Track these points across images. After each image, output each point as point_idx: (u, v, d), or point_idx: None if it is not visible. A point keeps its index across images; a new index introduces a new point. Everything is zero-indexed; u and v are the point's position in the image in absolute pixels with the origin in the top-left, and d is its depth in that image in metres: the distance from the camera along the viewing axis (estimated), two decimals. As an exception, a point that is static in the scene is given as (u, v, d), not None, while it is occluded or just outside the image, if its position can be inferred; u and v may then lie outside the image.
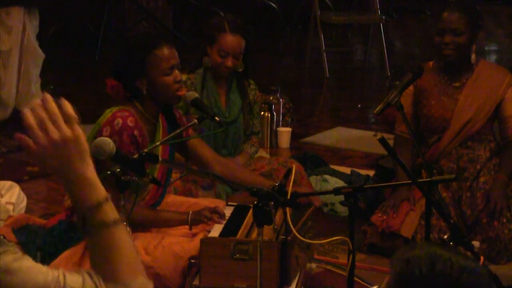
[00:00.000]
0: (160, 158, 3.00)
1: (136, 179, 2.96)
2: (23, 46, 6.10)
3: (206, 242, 3.36)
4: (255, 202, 2.81)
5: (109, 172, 2.95)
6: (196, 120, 3.57)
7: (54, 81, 7.05)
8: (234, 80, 4.56)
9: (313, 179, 4.93)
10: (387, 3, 10.88)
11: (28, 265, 1.68)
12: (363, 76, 9.08)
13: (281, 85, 6.56)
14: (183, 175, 4.21)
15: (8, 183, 4.40)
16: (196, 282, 3.37)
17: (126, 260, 1.75)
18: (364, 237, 4.27)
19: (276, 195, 2.86)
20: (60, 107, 1.70)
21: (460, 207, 4.28)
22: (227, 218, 3.67)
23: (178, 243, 3.51)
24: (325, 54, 8.34)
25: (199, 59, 4.47)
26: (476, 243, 3.60)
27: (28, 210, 4.41)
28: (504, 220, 4.21)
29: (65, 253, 3.51)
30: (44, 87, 6.42)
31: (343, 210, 4.68)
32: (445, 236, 3.23)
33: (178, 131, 3.57)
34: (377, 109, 3.85)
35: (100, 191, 1.73)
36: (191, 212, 3.65)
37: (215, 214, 3.64)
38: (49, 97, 1.71)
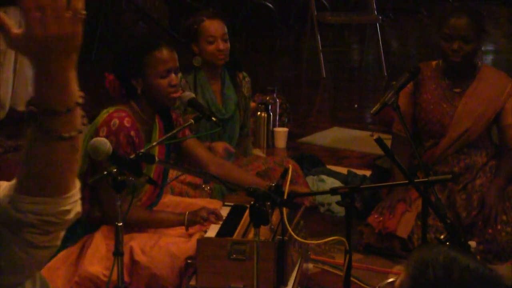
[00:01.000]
0: (156, 159, 3.00)
1: (133, 179, 2.96)
2: (19, 45, 6.10)
3: (202, 242, 3.36)
4: (252, 202, 2.81)
5: (105, 173, 2.95)
6: (192, 120, 3.57)
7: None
8: (227, 75, 4.56)
9: (309, 179, 4.93)
10: (384, 3, 10.88)
11: None
12: (360, 76, 9.08)
13: (277, 85, 6.55)
14: (179, 175, 4.21)
15: (4, 183, 4.39)
16: (192, 282, 3.37)
17: (60, 180, 1.53)
18: (360, 238, 4.27)
19: (273, 195, 2.86)
20: None
21: (456, 210, 4.27)
22: (223, 218, 3.67)
23: (175, 243, 3.51)
24: (321, 54, 8.34)
25: (189, 62, 4.46)
26: (472, 243, 3.59)
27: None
28: (499, 226, 4.20)
29: (61, 254, 3.50)
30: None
31: (339, 210, 4.68)
32: (442, 236, 3.23)
33: (174, 131, 3.57)
34: (374, 109, 3.85)
35: (73, 97, 1.51)
36: (187, 212, 3.65)
37: (212, 214, 3.64)
38: None
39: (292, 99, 6.81)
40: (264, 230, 3.27)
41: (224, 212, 3.73)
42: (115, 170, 2.94)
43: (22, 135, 6.25)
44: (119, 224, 2.98)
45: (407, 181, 3.34)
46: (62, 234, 1.58)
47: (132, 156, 2.94)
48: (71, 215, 1.56)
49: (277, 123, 6.04)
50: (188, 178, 4.26)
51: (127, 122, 3.50)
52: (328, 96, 8.30)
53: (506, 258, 4.16)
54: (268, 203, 2.83)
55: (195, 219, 3.62)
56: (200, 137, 4.18)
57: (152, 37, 3.72)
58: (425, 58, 4.57)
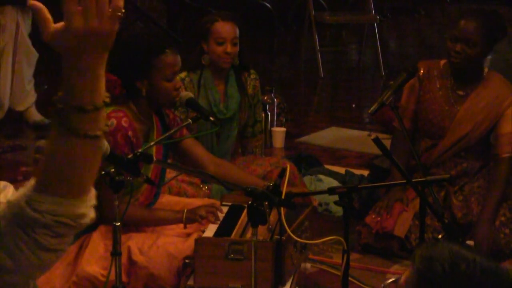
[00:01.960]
0: (154, 158, 3.00)
1: (131, 179, 2.97)
2: (17, 45, 6.10)
3: (200, 242, 3.36)
4: (250, 202, 2.81)
5: (103, 173, 2.95)
6: (190, 120, 3.58)
7: (48, 80, 7.04)
8: (233, 75, 4.55)
9: (307, 179, 4.93)
10: (382, 3, 10.90)
11: None
12: (358, 76, 9.09)
13: (275, 85, 6.56)
14: (177, 175, 4.20)
15: (2, 183, 4.38)
16: (190, 282, 3.37)
17: (80, 180, 1.52)
18: (358, 237, 4.27)
19: (271, 195, 2.86)
20: None
21: (451, 210, 4.26)
22: (221, 218, 3.67)
23: (173, 243, 3.51)
24: (319, 54, 8.35)
25: (197, 59, 4.45)
26: (470, 243, 3.60)
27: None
28: (499, 224, 4.20)
29: (59, 253, 3.50)
30: (37, 87, 6.42)
31: (337, 210, 4.68)
32: (440, 236, 3.23)
33: (172, 131, 3.57)
34: (372, 108, 3.85)
35: (101, 96, 1.49)
36: (186, 210, 3.64)
37: (210, 214, 3.63)
38: None
39: (290, 99, 6.82)
40: (262, 230, 3.26)
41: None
42: (113, 170, 2.94)
43: (21, 135, 6.26)
44: (117, 224, 2.99)
45: (405, 181, 3.34)
46: (71, 239, 1.58)
47: (130, 156, 2.94)
48: (87, 219, 1.56)
49: (275, 123, 6.04)
50: (187, 176, 4.26)
51: (124, 122, 3.50)
52: (326, 96, 8.31)
53: (504, 258, 4.16)
54: (266, 203, 2.83)
55: (193, 217, 3.62)
56: (199, 136, 4.18)
57: (159, 39, 3.71)
58: (423, 58, 4.56)
